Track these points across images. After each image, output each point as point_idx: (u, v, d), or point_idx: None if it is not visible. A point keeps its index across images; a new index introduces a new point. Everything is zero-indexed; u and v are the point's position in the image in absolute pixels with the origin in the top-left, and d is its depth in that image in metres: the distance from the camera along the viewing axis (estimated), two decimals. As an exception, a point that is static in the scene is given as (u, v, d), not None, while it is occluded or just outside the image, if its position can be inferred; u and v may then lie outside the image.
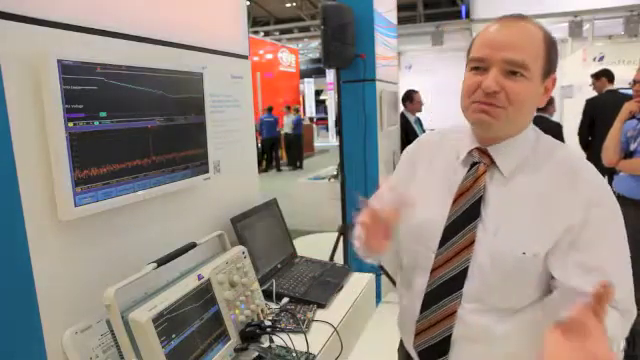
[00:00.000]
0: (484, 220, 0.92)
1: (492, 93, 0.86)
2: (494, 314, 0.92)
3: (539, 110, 5.18)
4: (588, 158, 3.85)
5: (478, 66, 0.89)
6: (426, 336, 0.99)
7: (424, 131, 4.56)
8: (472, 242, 0.92)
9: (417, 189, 1.03)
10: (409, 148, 1.14)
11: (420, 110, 4.46)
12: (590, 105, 4.29)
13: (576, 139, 4.43)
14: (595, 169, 0.92)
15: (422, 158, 1.08)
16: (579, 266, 0.86)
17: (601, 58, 8.44)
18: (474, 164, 0.96)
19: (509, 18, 0.91)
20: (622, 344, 0.88)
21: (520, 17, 0.92)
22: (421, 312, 0.99)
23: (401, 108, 4.35)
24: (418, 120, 4.51)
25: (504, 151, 0.94)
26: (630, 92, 2.67)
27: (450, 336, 0.96)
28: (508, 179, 0.93)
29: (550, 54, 0.89)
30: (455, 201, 0.95)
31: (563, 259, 0.87)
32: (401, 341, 1.12)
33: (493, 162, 0.94)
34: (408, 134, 4.30)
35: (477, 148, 0.96)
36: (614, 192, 2.60)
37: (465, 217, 0.93)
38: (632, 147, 2.38)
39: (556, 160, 0.92)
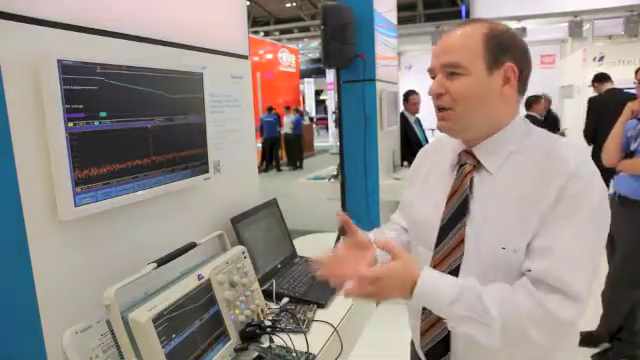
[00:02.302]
0: (472, 218, 0.95)
1: (437, 96, 0.95)
2: None
3: (528, 109, 5.21)
4: (592, 156, 3.87)
5: (433, 76, 0.98)
6: (430, 336, 1.01)
7: (423, 131, 4.56)
8: (462, 240, 0.95)
9: (419, 193, 1.10)
10: (410, 167, 1.23)
11: (417, 111, 4.46)
12: (593, 104, 4.36)
13: (576, 138, 4.45)
14: (578, 153, 0.91)
15: (422, 167, 1.15)
16: (534, 249, 0.86)
17: (601, 58, 8.43)
18: (462, 165, 1.01)
19: (452, 27, 0.99)
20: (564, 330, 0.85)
21: (465, 20, 1.00)
22: (423, 311, 1.02)
23: (401, 108, 4.35)
24: (418, 120, 4.51)
25: (487, 149, 0.97)
26: (632, 91, 2.67)
27: (449, 334, 0.98)
28: (495, 176, 0.95)
29: (491, 46, 0.92)
30: (448, 201, 0.99)
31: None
32: (412, 340, 1.14)
33: (479, 161, 0.98)
34: (408, 134, 4.31)
35: (463, 150, 1.01)
36: (614, 192, 2.58)
37: (455, 216, 0.97)
38: (632, 147, 2.37)
39: (542, 151, 0.92)
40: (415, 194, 1.12)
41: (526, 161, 0.92)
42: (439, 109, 0.97)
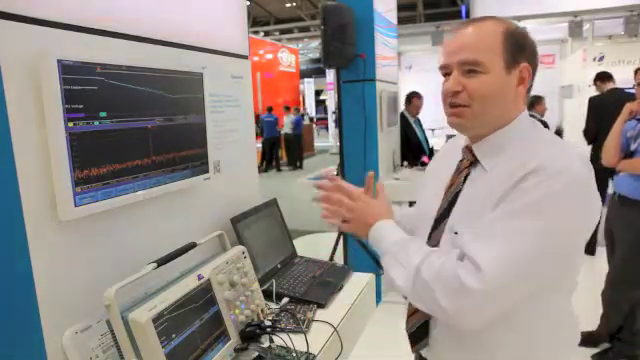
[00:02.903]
0: (454, 211, 0.98)
1: (454, 93, 0.93)
2: None
3: (529, 109, 5.22)
4: (593, 155, 3.86)
5: (446, 73, 0.96)
6: (413, 320, 1.06)
7: (423, 132, 4.56)
8: None
9: (427, 186, 1.14)
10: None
11: (418, 114, 4.46)
12: (593, 103, 4.32)
13: (577, 138, 4.44)
14: (556, 151, 0.89)
15: (435, 163, 1.19)
16: (471, 232, 0.87)
17: (601, 58, 8.44)
18: (462, 161, 1.03)
19: (464, 22, 0.98)
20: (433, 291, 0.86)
21: (478, 18, 0.98)
22: None
23: (401, 108, 4.35)
24: (418, 121, 4.51)
25: (486, 147, 0.98)
26: (633, 91, 2.67)
27: (429, 321, 1.03)
28: (489, 173, 0.96)
29: (509, 45, 0.91)
30: (444, 195, 1.02)
31: None
32: None
33: (476, 158, 0.99)
34: (408, 134, 4.31)
35: (466, 146, 1.03)
36: (614, 192, 2.59)
37: (446, 210, 1.00)
38: (632, 147, 2.38)
39: (532, 148, 0.91)
40: (421, 187, 1.16)
41: (517, 158, 0.91)
42: (451, 105, 0.95)
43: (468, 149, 1.01)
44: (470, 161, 1.00)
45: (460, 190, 0.98)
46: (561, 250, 0.86)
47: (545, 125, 4.49)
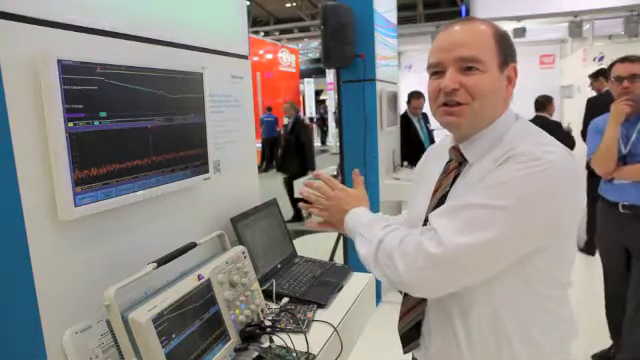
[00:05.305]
0: None
1: (452, 91, 0.91)
2: (454, 302, 0.95)
3: (538, 110, 5.04)
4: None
5: (436, 71, 0.95)
6: (405, 321, 1.07)
7: (427, 128, 4.56)
8: None
9: (417, 189, 1.14)
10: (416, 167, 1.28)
11: (419, 113, 4.46)
12: (592, 104, 4.24)
13: (576, 139, 4.42)
14: (545, 142, 0.88)
15: (423, 166, 1.19)
16: (441, 208, 0.90)
17: (601, 58, 8.43)
18: (449, 161, 1.03)
19: (456, 21, 0.97)
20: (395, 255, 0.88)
21: (466, 18, 0.98)
22: (404, 296, 1.08)
23: (402, 108, 4.35)
24: (424, 116, 4.49)
25: (473, 146, 0.97)
26: None
27: (421, 321, 1.04)
28: (475, 167, 0.96)
29: (501, 45, 0.93)
30: (432, 197, 1.02)
31: None
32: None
33: (465, 158, 0.98)
34: (409, 134, 4.30)
35: (453, 147, 1.02)
36: (616, 203, 2.38)
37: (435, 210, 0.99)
38: (624, 151, 2.23)
39: (518, 140, 0.91)
40: (413, 192, 1.16)
41: (497, 153, 0.91)
42: (447, 104, 0.94)
43: (456, 149, 1.00)
44: (459, 162, 1.00)
45: (448, 191, 0.98)
46: (529, 233, 0.84)
47: (559, 126, 4.40)
